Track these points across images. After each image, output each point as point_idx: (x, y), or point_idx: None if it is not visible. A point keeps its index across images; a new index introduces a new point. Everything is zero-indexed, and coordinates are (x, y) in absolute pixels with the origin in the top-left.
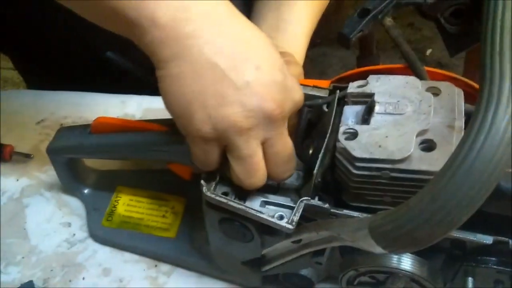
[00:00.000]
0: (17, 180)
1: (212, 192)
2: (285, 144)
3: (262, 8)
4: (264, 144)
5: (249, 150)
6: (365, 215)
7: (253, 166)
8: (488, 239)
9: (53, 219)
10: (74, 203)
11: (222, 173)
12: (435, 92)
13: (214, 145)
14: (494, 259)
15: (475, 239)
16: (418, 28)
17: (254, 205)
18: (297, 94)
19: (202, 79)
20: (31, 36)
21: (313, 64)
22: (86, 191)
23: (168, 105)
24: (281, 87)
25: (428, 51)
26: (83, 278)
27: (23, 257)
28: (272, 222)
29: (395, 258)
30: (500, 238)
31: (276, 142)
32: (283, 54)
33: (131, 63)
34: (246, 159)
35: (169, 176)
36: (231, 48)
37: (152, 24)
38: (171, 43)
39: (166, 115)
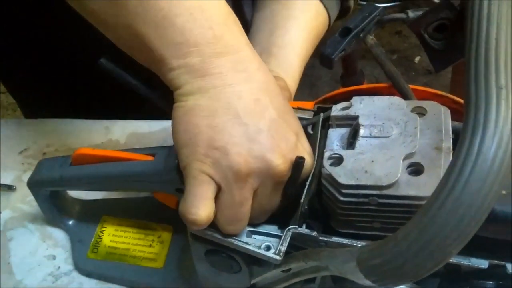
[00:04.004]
0: (0, 212)
1: None
2: (273, 200)
3: (257, 32)
4: (255, 193)
5: (241, 197)
6: (354, 242)
7: (239, 215)
8: (483, 264)
9: (37, 252)
10: (59, 234)
11: None
12: (421, 112)
13: (210, 184)
14: (490, 283)
15: (469, 263)
16: (406, 36)
17: (240, 236)
18: (306, 158)
19: (216, 116)
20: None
21: (303, 76)
22: (70, 222)
23: (176, 134)
24: (291, 146)
25: (417, 59)
26: None
27: None
28: (259, 253)
29: None
30: (496, 262)
31: (267, 195)
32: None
33: (126, 72)
34: (234, 206)
35: (155, 204)
36: (252, 95)
37: (183, 64)
38: (195, 81)
39: (151, 140)
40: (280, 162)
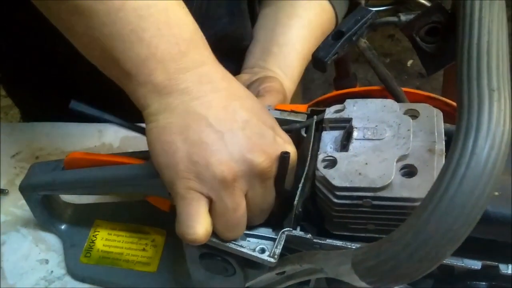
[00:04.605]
0: None
1: None
2: (267, 198)
3: (259, 29)
4: (246, 195)
5: (233, 203)
6: (349, 244)
7: (235, 220)
8: (476, 264)
9: (30, 256)
10: (51, 238)
11: None
12: (414, 115)
13: (200, 199)
14: (484, 283)
15: (463, 264)
16: (398, 39)
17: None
18: (288, 149)
19: (190, 130)
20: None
21: None
22: (62, 226)
23: (155, 157)
24: (270, 141)
25: (409, 62)
26: None
27: None
28: (254, 256)
29: None
30: (489, 262)
31: (259, 195)
32: (268, 79)
33: (99, 110)
34: (228, 213)
35: (148, 208)
36: (220, 103)
37: (148, 80)
38: (163, 98)
39: (144, 143)
40: (262, 159)
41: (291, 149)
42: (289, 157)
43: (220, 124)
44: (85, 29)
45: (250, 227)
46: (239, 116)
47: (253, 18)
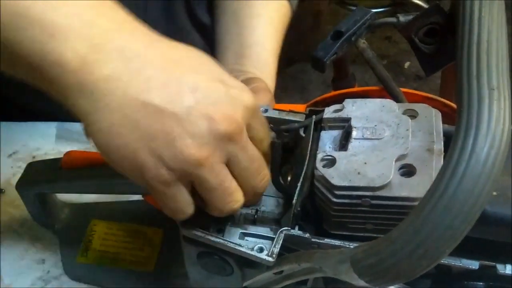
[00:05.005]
0: None
1: (189, 226)
2: (251, 157)
3: (224, 35)
4: (229, 163)
5: (217, 178)
6: (347, 243)
7: (227, 191)
8: (474, 264)
9: (26, 256)
10: (48, 238)
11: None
12: (412, 115)
13: (179, 187)
14: (481, 283)
15: (460, 264)
16: (395, 41)
17: (233, 238)
18: (245, 98)
19: (139, 123)
20: None
21: (293, 81)
22: (59, 226)
23: (114, 163)
24: (226, 99)
25: (406, 64)
26: None
27: None
28: (252, 255)
29: None
30: (486, 262)
31: (241, 157)
32: (252, 80)
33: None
34: (217, 188)
35: (145, 207)
36: (158, 79)
37: (61, 70)
38: (88, 91)
39: None
40: (226, 124)
41: (247, 96)
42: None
43: (168, 104)
44: None
45: (247, 225)
46: (184, 85)
47: (202, 29)
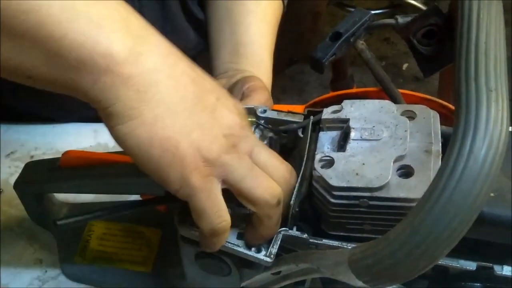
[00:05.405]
0: None
1: (187, 226)
2: (266, 149)
3: (218, 34)
4: (252, 157)
5: (248, 164)
6: (345, 244)
7: (258, 175)
8: (471, 265)
9: (24, 256)
10: (46, 237)
11: None
12: (411, 116)
13: (217, 183)
14: (478, 284)
15: (458, 265)
16: (394, 43)
17: (231, 238)
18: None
19: (179, 115)
20: None
21: (291, 82)
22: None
23: (151, 160)
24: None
25: (405, 66)
26: None
27: None
28: (250, 255)
29: None
30: (484, 264)
31: (260, 149)
32: (248, 78)
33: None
34: (249, 174)
35: (143, 207)
36: (190, 79)
37: (111, 62)
38: (135, 82)
39: None
40: (240, 119)
41: (236, 116)
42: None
43: (200, 102)
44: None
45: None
46: (207, 84)
47: (197, 24)
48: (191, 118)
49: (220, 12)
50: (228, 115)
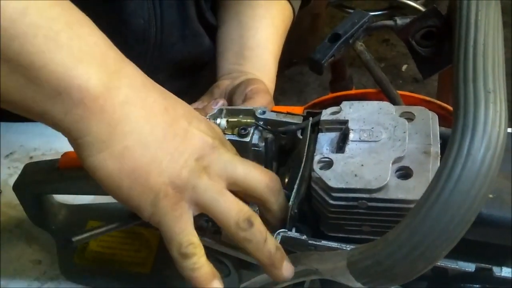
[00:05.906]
0: None
1: None
2: (242, 162)
3: (226, 36)
4: (228, 174)
5: (218, 187)
6: (344, 245)
7: (228, 198)
8: (470, 267)
9: (23, 257)
10: (45, 238)
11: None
12: (409, 117)
13: (187, 207)
14: (477, 286)
15: (456, 266)
16: (393, 44)
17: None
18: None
19: (150, 145)
20: None
21: (291, 83)
22: (56, 227)
23: (122, 190)
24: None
25: (404, 67)
26: None
27: None
28: (249, 257)
29: None
30: (483, 265)
31: (235, 165)
32: (251, 81)
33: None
34: (219, 197)
35: None
36: (162, 107)
37: (86, 95)
38: (108, 116)
39: None
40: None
41: (206, 135)
42: None
43: (170, 127)
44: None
45: None
46: (180, 110)
47: (210, 30)
48: (161, 147)
49: (230, 15)
50: (199, 137)
